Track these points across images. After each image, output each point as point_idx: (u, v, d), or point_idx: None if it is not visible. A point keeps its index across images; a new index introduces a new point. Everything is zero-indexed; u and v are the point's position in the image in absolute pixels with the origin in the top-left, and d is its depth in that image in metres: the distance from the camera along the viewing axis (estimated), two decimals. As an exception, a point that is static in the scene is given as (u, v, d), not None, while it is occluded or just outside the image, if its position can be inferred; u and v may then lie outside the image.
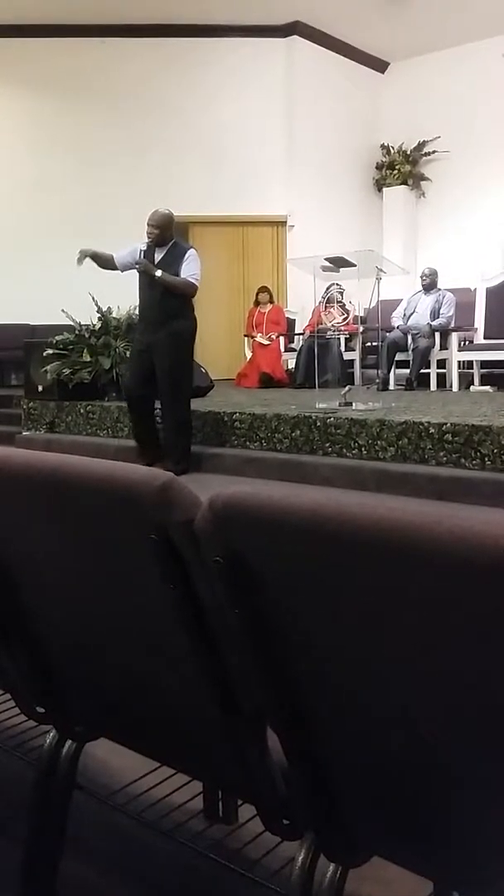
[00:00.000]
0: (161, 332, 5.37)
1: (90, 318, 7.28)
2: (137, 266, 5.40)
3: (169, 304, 5.40)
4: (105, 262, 5.59)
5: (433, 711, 0.85)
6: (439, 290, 8.48)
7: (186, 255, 5.44)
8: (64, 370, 7.07)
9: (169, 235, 5.46)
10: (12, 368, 10.12)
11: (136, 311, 6.01)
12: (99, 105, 10.16)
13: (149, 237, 5.43)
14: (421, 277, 8.58)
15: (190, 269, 5.41)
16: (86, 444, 6.60)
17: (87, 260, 5.48)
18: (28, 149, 10.13)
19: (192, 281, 5.42)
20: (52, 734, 1.46)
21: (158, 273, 5.32)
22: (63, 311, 7.21)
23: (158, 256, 5.44)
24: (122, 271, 5.59)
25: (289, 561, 0.86)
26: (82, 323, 7.27)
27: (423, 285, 8.55)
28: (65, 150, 10.07)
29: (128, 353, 6.53)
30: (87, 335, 7.17)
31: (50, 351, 7.16)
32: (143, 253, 5.47)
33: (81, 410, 7.03)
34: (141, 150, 10.10)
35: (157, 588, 1.00)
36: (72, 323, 7.29)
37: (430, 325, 8.18)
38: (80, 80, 10.06)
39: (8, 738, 1.96)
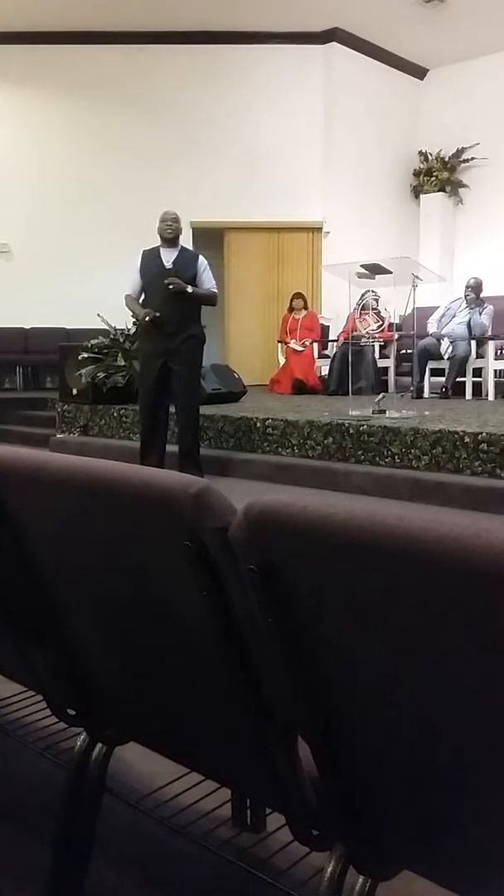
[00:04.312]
0: (180, 337, 5.33)
1: (125, 322, 7.33)
2: (170, 285, 5.21)
3: (188, 310, 5.39)
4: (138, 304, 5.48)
5: (468, 725, 0.84)
6: (482, 301, 8.39)
7: (202, 266, 5.43)
8: (98, 374, 7.13)
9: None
10: (47, 371, 10.25)
11: None
12: (138, 111, 10.25)
13: (168, 232, 5.37)
14: (466, 288, 8.48)
15: (210, 279, 5.45)
16: (119, 447, 6.64)
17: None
18: (67, 154, 10.26)
19: (216, 292, 5.51)
20: (82, 737, 1.46)
21: (190, 289, 5.28)
22: (98, 315, 7.27)
23: (169, 258, 5.38)
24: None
25: (324, 571, 0.86)
26: (117, 327, 7.32)
27: (466, 297, 8.42)
28: (103, 155, 10.19)
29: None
30: (121, 339, 7.22)
31: (85, 355, 7.22)
32: (148, 259, 5.37)
33: (115, 414, 7.08)
34: (179, 156, 10.17)
35: (191, 595, 1.00)
36: (107, 327, 7.35)
37: (471, 333, 8.09)
38: (120, 86, 10.17)
39: (39, 740, 1.98)
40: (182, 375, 5.38)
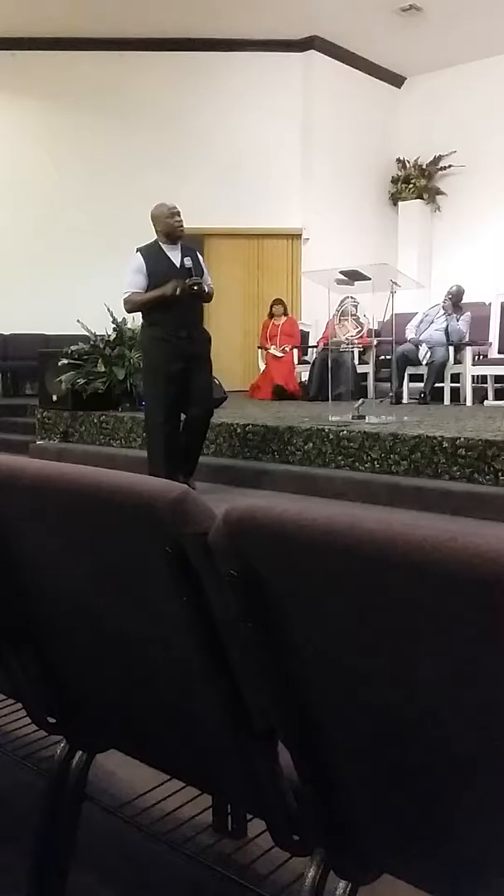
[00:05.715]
0: (200, 341, 5.10)
1: (105, 328, 7.32)
2: (194, 286, 4.88)
3: (201, 311, 5.23)
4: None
5: (450, 729, 0.85)
6: (460, 308, 8.45)
7: (204, 262, 5.20)
8: (78, 380, 7.11)
9: None
10: (27, 378, 10.19)
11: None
12: (116, 118, 10.24)
13: (178, 228, 5.00)
14: (446, 295, 8.52)
15: (209, 275, 5.20)
16: (99, 454, 6.61)
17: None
18: (45, 160, 10.23)
19: (213, 287, 5.24)
20: (62, 745, 1.46)
21: (207, 289, 5.04)
22: (78, 321, 7.25)
23: (175, 255, 5.00)
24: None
25: (303, 576, 0.86)
26: (97, 333, 7.30)
27: (444, 304, 8.47)
28: (81, 162, 10.17)
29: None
30: (101, 345, 7.20)
31: (65, 361, 7.20)
32: (153, 258, 4.97)
33: (95, 420, 7.05)
34: (157, 163, 10.17)
35: (171, 600, 1.00)
36: (87, 333, 7.33)
37: (449, 340, 8.13)
38: (99, 93, 10.16)
39: (18, 749, 1.96)
40: (205, 381, 5.15)
